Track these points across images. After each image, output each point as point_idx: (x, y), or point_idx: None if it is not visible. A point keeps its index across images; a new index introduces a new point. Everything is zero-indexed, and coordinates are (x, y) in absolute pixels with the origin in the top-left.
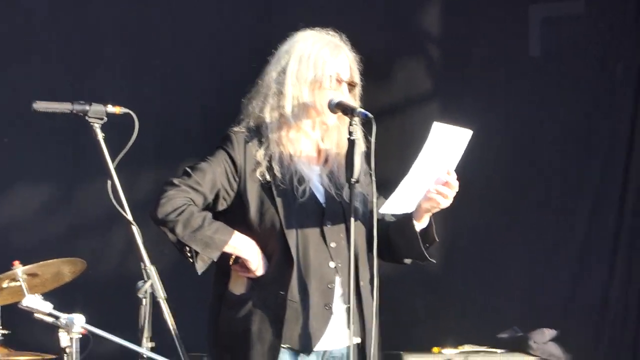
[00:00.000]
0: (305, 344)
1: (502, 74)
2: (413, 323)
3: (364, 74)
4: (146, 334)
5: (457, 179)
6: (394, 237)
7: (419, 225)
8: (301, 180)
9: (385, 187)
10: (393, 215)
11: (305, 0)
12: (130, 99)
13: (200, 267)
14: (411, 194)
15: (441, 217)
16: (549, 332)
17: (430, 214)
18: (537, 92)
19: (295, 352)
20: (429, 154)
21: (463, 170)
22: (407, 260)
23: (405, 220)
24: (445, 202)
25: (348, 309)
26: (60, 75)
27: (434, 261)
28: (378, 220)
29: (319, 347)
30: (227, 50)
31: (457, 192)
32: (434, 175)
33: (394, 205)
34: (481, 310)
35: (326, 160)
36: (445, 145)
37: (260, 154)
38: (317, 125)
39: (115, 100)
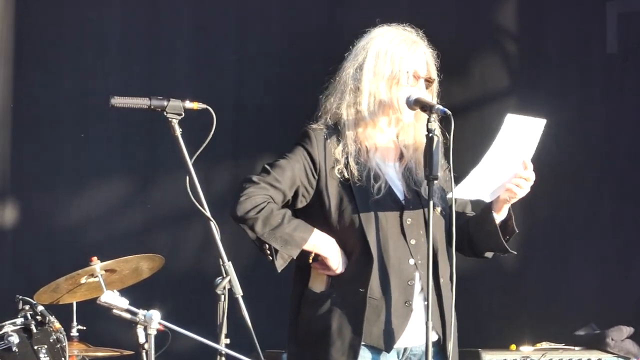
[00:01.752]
0: (386, 341)
1: (579, 70)
2: (490, 320)
3: (441, 69)
4: (224, 330)
5: (534, 170)
6: (474, 230)
7: (499, 217)
8: (377, 176)
9: None
10: (473, 209)
11: None
12: (207, 95)
13: (280, 265)
14: (484, 183)
15: (519, 212)
16: (627, 330)
17: (509, 204)
18: (613, 88)
19: (376, 350)
20: (502, 144)
21: (540, 166)
22: (488, 254)
23: (485, 212)
24: (522, 192)
25: (427, 306)
26: (136, 71)
27: (515, 252)
28: (458, 215)
29: (399, 344)
30: (302, 44)
31: (534, 187)
32: (509, 165)
33: (465, 191)
34: (558, 307)
35: (402, 156)
36: (519, 136)
37: (338, 151)
38: (393, 122)
39: (193, 95)
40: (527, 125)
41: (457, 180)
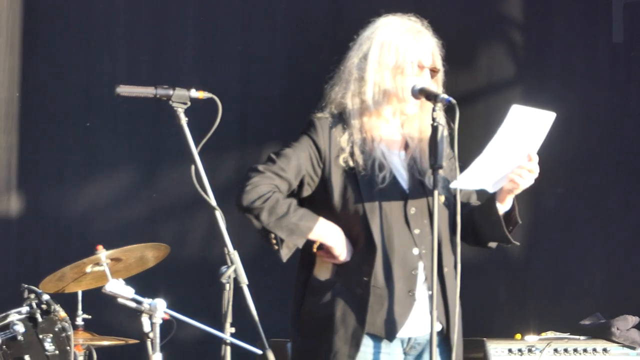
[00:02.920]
0: (389, 330)
1: (585, 60)
2: (495, 309)
3: (446, 59)
4: (229, 319)
5: (540, 162)
6: (478, 220)
7: (502, 207)
8: (382, 166)
9: None
10: (478, 199)
11: None
12: (214, 84)
13: (285, 254)
14: (487, 173)
15: (524, 202)
16: (632, 319)
17: (512, 195)
18: (619, 77)
19: (379, 339)
20: (506, 135)
21: (546, 156)
22: (492, 244)
23: (489, 203)
24: (525, 184)
25: (431, 296)
26: (142, 60)
27: (518, 243)
28: (463, 204)
29: (402, 333)
30: (308, 34)
31: (540, 177)
32: (513, 156)
33: (467, 180)
34: (564, 296)
35: (407, 146)
36: (525, 128)
37: (343, 140)
38: (398, 112)
39: (198, 84)
40: (535, 117)
41: (462, 169)
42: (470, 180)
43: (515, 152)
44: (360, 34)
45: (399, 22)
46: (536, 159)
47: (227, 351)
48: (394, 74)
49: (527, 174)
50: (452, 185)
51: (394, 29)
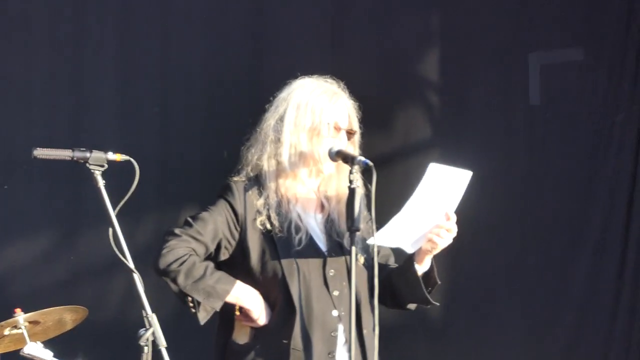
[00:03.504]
0: None
1: (502, 121)
2: None
3: (363, 121)
4: None
5: (458, 221)
6: (396, 282)
7: (421, 268)
8: (298, 228)
9: None
10: (396, 261)
11: (300, 47)
12: (130, 146)
13: (203, 317)
14: (406, 231)
15: (443, 262)
16: None
17: (431, 256)
18: (537, 139)
19: None
20: (425, 193)
21: (464, 216)
22: (411, 306)
23: (407, 264)
24: (443, 243)
25: (350, 358)
26: (60, 122)
27: (437, 304)
28: (381, 266)
29: None
30: (226, 95)
31: (458, 238)
32: (432, 215)
33: (385, 238)
34: (483, 359)
35: (323, 207)
36: (443, 186)
37: (260, 202)
38: (314, 173)
39: (116, 146)
40: (452, 176)
41: (380, 229)
42: (388, 238)
43: (433, 210)
44: (277, 95)
45: (315, 84)
46: (454, 218)
47: None
48: (310, 135)
49: (446, 233)
50: (370, 242)
51: (310, 91)
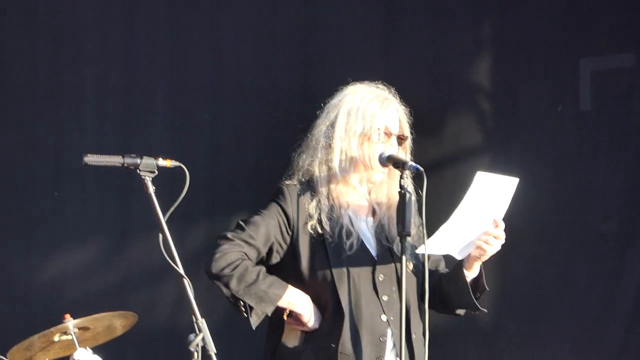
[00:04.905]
0: None
1: (552, 127)
2: None
3: (414, 126)
4: None
5: (507, 228)
6: (446, 287)
7: (470, 274)
8: (350, 233)
9: None
10: (446, 267)
11: (352, 54)
12: (181, 152)
13: (255, 321)
14: (454, 239)
15: (492, 269)
16: None
17: (480, 262)
18: (587, 145)
19: None
20: (473, 201)
21: (513, 221)
22: (460, 311)
23: (456, 270)
24: (492, 250)
25: None
26: (111, 129)
27: (485, 310)
28: (431, 272)
29: None
30: (276, 103)
31: (508, 245)
32: (480, 222)
33: (434, 246)
34: None
35: (375, 213)
36: (491, 194)
37: (312, 207)
38: (365, 180)
39: (167, 153)
40: (499, 183)
41: (430, 236)
42: (437, 246)
43: (481, 218)
44: (328, 101)
45: (366, 90)
46: (502, 225)
47: None
48: (361, 141)
49: (494, 240)
50: (419, 251)
51: (361, 97)
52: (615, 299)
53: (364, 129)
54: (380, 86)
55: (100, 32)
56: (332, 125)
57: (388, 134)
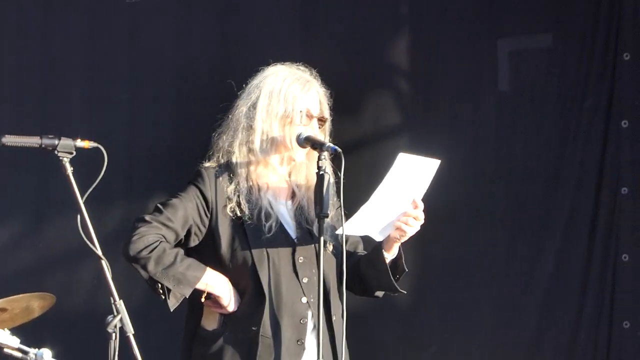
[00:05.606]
0: None
1: (471, 107)
2: (383, 357)
3: (333, 108)
4: None
5: (426, 209)
6: (364, 269)
7: (389, 255)
8: (269, 215)
9: None
10: (365, 249)
11: (272, 34)
12: (99, 133)
13: (173, 304)
14: (374, 220)
15: (411, 250)
16: None
17: (399, 243)
18: (505, 126)
19: None
20: (393, 182)
21: (433, 203)
22: (379, 293)
23: (375, 251)
24: (411, 231)
25: (319, 344)
26: (28, 109)
27: (404, 292)
28: (350, 254)
29: None
30: (196, 83)
31: (428, 226)
32: (400, 203)
33: (354, 227)
34: (451, 345)
35: (294, 195)
36: (411, 175)
37: (230, 189)
38: (285, 161)
39: (85, 134)
40: (420, 165)
41: (348, 218)
42: (356, 227)
43: (401, 199)
44: (249, 82)
45: (288, 71)
46: (421, 206)
47: None
48: (283, 123)
49: (413, 221)
50: (339, 232)
51: (283, 78)
52: (533, 276)
53: (286, 111)
54: (302, 67)
55: (17, 9)
56: (254, 106)
57: (309, 116)
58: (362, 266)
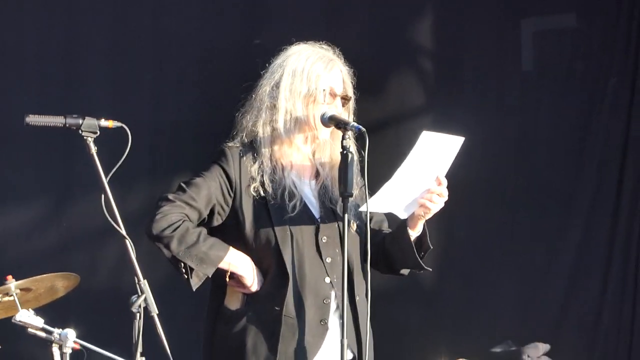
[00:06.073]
0: (301, 359)
1: (495, 87)
2: (407, 336)
3: (357, 87)
4: (139, 349)
5: (450, 187)
6: (389, 247)
7: (414, 233)
8: (292, 194)
9: None
10: (390, 227)
11: (296, 15)
12: (123, 113)
13: (195, 283)
14: (397, 197)
15: (435, 228)
16: (543, 347)
17: (423, 221)
18: (529, 105)
19: None
20: (416, 160)
21: (457, 181)
22: (404, 271)
23: (400, 229)
24: (435, 208)
25: (342, 324)
26: (52, 89)
27: (430, 269)
28: (374, 232)
29: None
30: (220, 62)
31: (452, 203)
32: (423, 180)
33: (377, 204)
34: (475, 323)
35: (318, 174)
36: (435, 152)
37: (254, 169)
38: (309, 140)
39: (109, 113)
40: (444, 143)
41: (372, 196)
42: (380, 204)
43: (425, 177)
44: (272, 61)
45: (311, 51)
46: (445, 182)
47: None
48: (306, 102)
49: (437, 198)
50: (362, 209)
51: (306, 57)
52: (557, 255)
53: (309, 90)
54: (325, 46)
55: None
56: (277, 85)
57: (333, 95)
58: (387, 243)
